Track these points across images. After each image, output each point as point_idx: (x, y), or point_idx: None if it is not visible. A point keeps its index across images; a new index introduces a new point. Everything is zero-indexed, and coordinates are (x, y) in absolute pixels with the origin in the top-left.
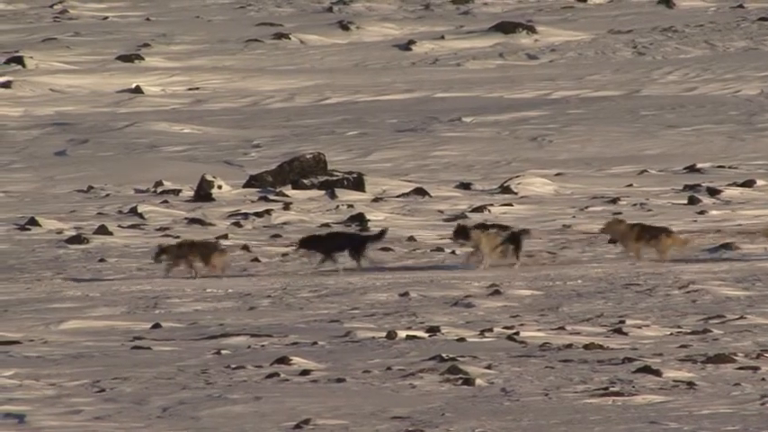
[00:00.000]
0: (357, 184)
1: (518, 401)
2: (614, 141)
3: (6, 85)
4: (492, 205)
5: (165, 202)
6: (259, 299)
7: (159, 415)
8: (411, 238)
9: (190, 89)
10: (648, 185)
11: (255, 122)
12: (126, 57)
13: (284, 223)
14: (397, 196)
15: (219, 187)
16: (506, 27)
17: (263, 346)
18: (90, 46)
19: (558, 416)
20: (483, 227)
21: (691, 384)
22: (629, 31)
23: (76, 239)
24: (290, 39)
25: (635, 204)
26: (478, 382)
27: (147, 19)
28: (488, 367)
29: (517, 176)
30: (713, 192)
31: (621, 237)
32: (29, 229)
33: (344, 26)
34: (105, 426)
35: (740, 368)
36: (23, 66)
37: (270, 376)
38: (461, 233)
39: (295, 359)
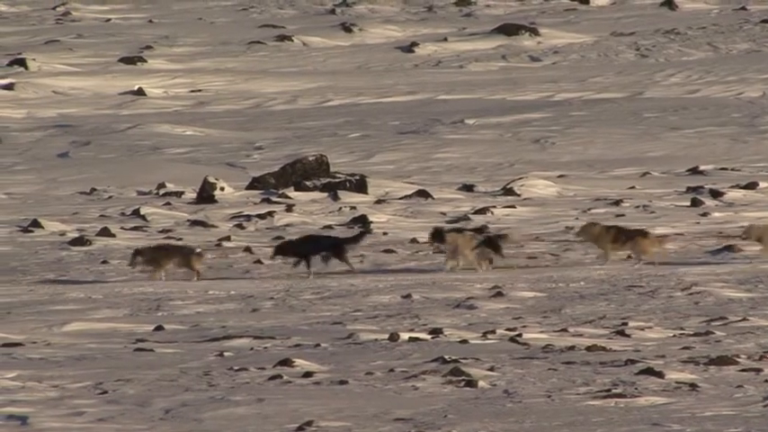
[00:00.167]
0: (360, 186)
1: (521, 403)
2: (617, 143)
3: (9, 86)
4: (495, 207)
5: (168, 204)
6: (262, 301)
7: (162, 417)
8: (414, 240)
9: (192, 91)
10: (651, 187)
11: (258, 124)
12: (128, 59)
13: (287, 225)
14: (400, 198)
15: (222, 189)
16: (509, 29)
17: (265, 348)
18: (93, 48)
19: (561, 418)
20: (459, 230)
21: (693, 386)
22: (632, 34)
23: (79, 241)
24: (292, 41)
25: (638, 206)
26: (481, 383)
27: (150, 21)
28: (491, 369)
29: (520, 178)
30: (716, 194)
31: (597, 239)
32: (31, 231)
33: (347, 28)
34: (108, 427)
35: (743, 370)
36: (26, 68)
37: (272, 378)
38: (437, 236)
39: (298, 361)
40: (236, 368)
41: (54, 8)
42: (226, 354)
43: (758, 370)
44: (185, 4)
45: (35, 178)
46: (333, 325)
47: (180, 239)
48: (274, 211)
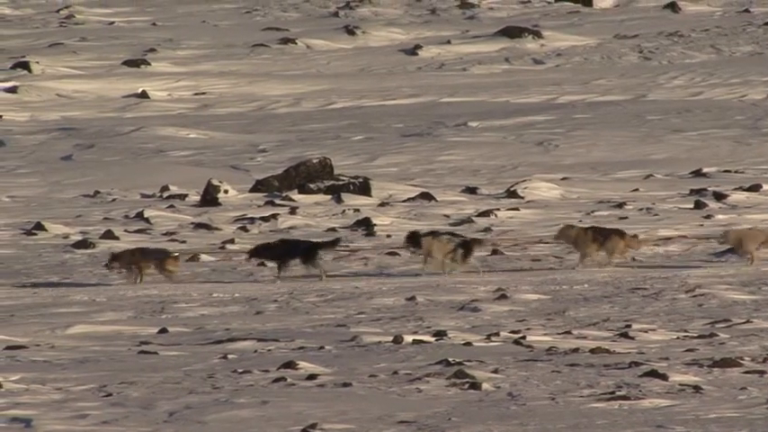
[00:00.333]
0: (363, 188)
1: (525, 406)
2: (620, 146)
3: (13, 90)
4: (498, 210)
5: (172, 206)
6: (265, 303)
7: (166, 419)
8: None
9: (196, 94)
10: (654, 190)
11: (262, 127)
12: (132, 62)
13: (290, 228)
14: (404, 201)
15: (226, 192)
16: (512, 32)
17: (269, 350)
18: (96, 51)
19: (565, 420)
20: (434, 234)
21: (697, 388)
22: (635, 36)
23: (83, 244)
24: (296, 43)
25: (641, 209)
26: (485, 386)
27: (154, 24)
28: (495, 371)
29: (523, 181)
30: (719, 196)
31: (575, 242)
32: (35, 234)
33: (351, 31)
34: (112, 430)
35: (746, 372)
36: (30, 71)
37: (276, 381)
38: (413, 240)
39: (302, 364)
40: (239, 371)
41: (58, 11)
42: (230, 356)
43: (762, 372)
44: (189, 7)
45: (39, 181)
46: (337, 327)
47: (184, 242)
48: (278, 214)
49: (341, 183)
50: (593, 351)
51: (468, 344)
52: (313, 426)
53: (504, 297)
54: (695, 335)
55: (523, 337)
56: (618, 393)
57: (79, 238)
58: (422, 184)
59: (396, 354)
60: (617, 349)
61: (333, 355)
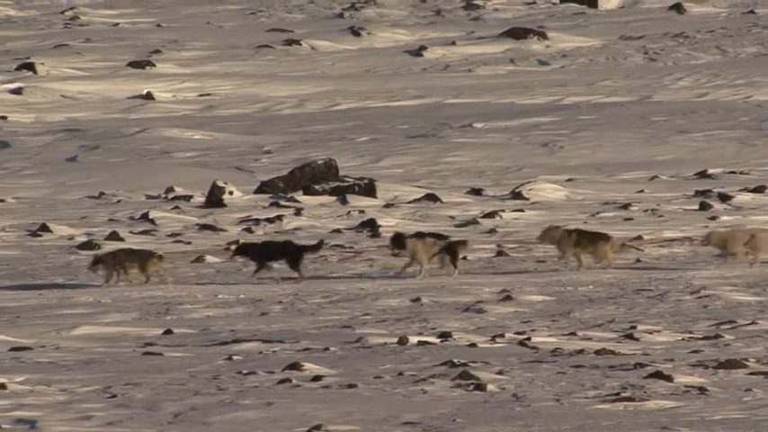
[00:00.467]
0: (368, 189)
1: (529, 407)
2: (625, 147)
3: (18, 91)
4: (503, 211)
5: (177, 208)
6: (270, 305)
7: (171, 421)
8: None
9: (201, 95)
10: (660, 191)
11: (266, 128)
12: (137, 63)
13: (295, 229)
14: (409, 202)
15: (231, 193)
16: (517, 33)
17: (274, 351)
18: (101, 52)
19: (570, 421)
20: (419, 236)
21: (702, 390)
22: (641, 37)
23: (88, 245)
24: (300, 45)
25: (646, 210)
26: (490, 387)
27: (158, 25)
28: (500, 373)
29: (528, 182)
30: (724, 197)
31: (559, 243)
32: (40, 236)
33: (355, 32)
34: (117, 431)
35: (752, 373)
36: (35, 72)
37: (281, 382)
38: (397, 242)
39: (306, 365)
40: (244, 372)
41: (62, 12)
42: (235, 357)
43: (767, 373)
44: (193, 9)
45: (44, 182)
46: (342, 329)
47: (188, 243)
48: (283, 215)
49: (346, 184)
50: (598, 352)
51: (473, 345)
52: (318, 427)
53: (509, 298)
54: (700, 336)
55: (528, 339)
56: (623, 395)
57: (84, 239)
58: (427, 186)
59: (401, 355)
60: (622, 350)
61: (338, 356)
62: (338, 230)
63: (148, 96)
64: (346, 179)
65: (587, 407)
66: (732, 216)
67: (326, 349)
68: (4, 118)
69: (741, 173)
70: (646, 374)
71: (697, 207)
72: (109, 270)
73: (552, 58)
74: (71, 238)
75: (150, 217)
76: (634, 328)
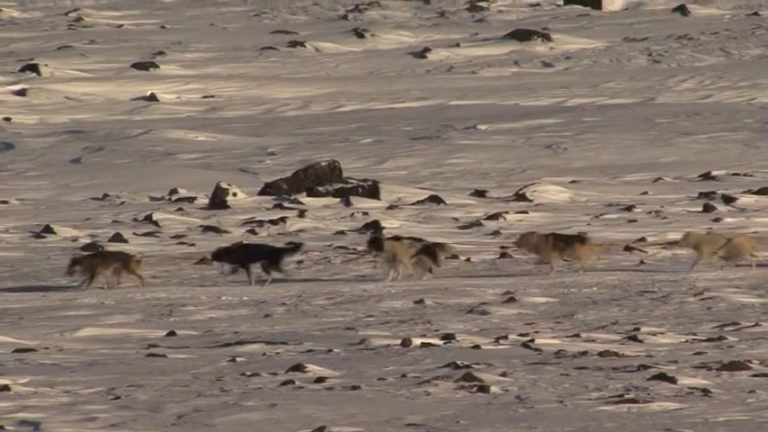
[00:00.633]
0: (372, 191)
1: (533, 409)
2: (629, 149)
3: (21, 92)
4: (507, 213)
5: (180, 209)
6: (274, 306)
7: (174, 422)
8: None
9: (205, 97)
10: (663, 193)
11: (270, 130)
12: (141, 64)
13: (299, 231)
14: (412, 204)
15: (234, 195)
16: (521, 35)
17: (277, 353)
18: (105, 54)
19: (573, 423)
20: (397, 238)
21: (706, 391)
22: (645, 39)
23: (92, 247)
24: (305, 46)
25: (650, 212)
26: (493, 389)
27: (162, 27)
28: (503, 375)
29: (532, 184)
30: (728, 199)
31: (536, 248)
32: (44, 237)
33: (359, 34)
34: None
35: (755, 375)
36: (38, 73)
37: (285, 384)
38: (375, 244)
39: (310, 366)
40: (248, 374)
41: (66, 14)
42: (238, 359)
43: None
44: (198, 10)
45: (47, 184)
46: (345, 330)
47: (192, 245)
48: (287, 217)
49: (350, 186)
50: (601, 354)
51: (477, 347)
52: (321, 429)
53: (512, 300)
54: (704, 338)
55: (532, 341)
56: (626, 396)
57: (88, 240)
58: (431, 187)
59: (404, 357)
60: (625, 352)
61: (341, 358)
62: (342, 232)
63: (152, 98)
64: (350, 181)
65: (591, 408)
66: (736, 218)
67: (330, 351)
68: (8, 119)
69: (745, 175)
70: (649, 376)
71: (701, 209)
72: (86, 273)
73: (556, 60)
74: (75, 239)
75: (154, 218)
76: (638, 329)
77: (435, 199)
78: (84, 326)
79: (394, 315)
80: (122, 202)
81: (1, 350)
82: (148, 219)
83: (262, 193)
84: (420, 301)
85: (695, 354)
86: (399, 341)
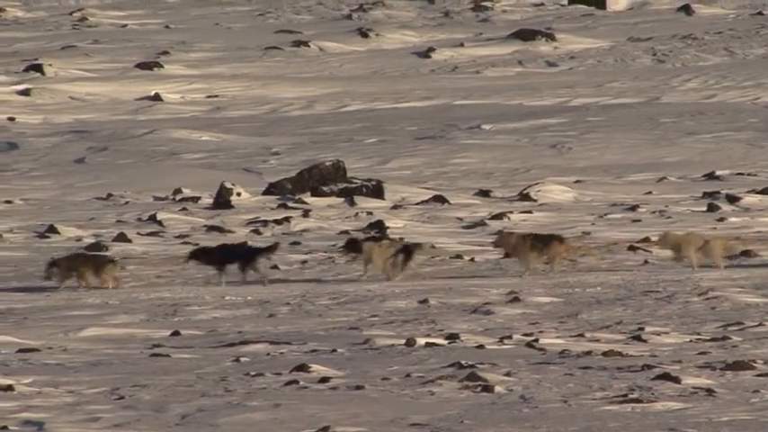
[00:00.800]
0: (376, 191)
1: (537, 408)
2: (633, 149)
3: (26, 92)
4: (511, 212)
5: (185, 209)
6: (278, 306)
7: (178, 422)
8: (431, 246)
9: (209, 97)
10: (668, 193)
11: (274, 130)
12: (145, 64)
13: (303, 230)
14: (417, 203)
15: (239, 194)
16: (525, 34)
17: (281, 353)
18: (109, 54)
19: (577, 423)
20: (374, 239)
21: (710, 391)
22: (649, 39)
23: (96, 247)
24: (309, 46)
25: (654, 212)
26: (497, 389)
27: (167, 27)
28: (507, 374)
29: (536, 184)
30: (732, 199)
31: (514, 249)
32: (48, 237)
33: (364, 33)
34: None
35: (759, 375)
36: (42, 73)
37: (289, 383)
38: (352, 246)
39: (314, 366)
40: (252, 373)
41: (70, 14)
42: (242, 359)
43: None
44: (202, 10)
45: (52, 184)
46: (349, 330)
47: (196, 245)
48: (291, 217)
49: (354, 185)
50: (605, 354)
51: (481, 347)
52: (325, 429)
53: (516, 300)
54: (708, 338)
55: (536, 340)
56: (630, 396)
57: (92, 240)
58: (435, 187)
59: (408, 356)
60: (630, 352)
61: (345, 357)
62: (346, 232)
63: (156, 98)
64: (354, 180)
65: (595, 408)
66: (740, 218)
67: (334, 351)
68: (13, 119)
69: (749, 174)
70: (653, 376)
71: (705, 209)
72: (63, 274)
73: (560, 60)
74: (79, 239)
75: (158, 218)
76: (642, 329)
77: (439, 199)
78: (89, 326)
79: (398, 315)
80: (126, 202)
81: (5, 350)
82: (152, 218)
83: (266, 192)
84: (424, 301)
85: (699, 353)
86: (403, 341)
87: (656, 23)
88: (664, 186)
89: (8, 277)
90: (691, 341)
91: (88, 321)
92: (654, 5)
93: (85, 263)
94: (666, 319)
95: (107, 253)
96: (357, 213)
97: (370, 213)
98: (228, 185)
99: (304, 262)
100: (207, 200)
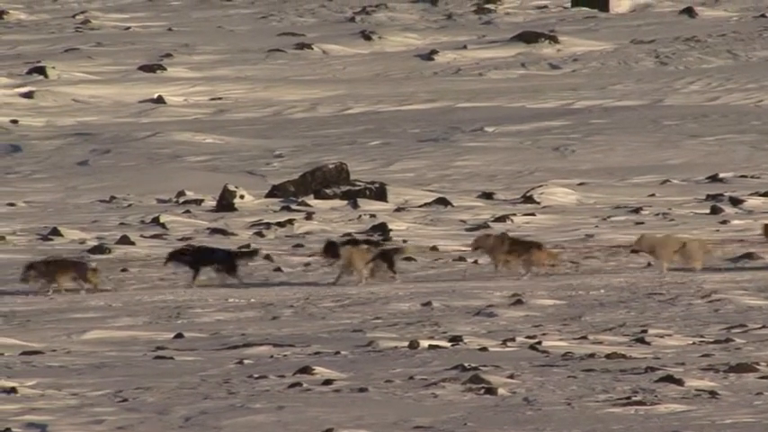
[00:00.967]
0: (379, 193)
1: (540, 411)
2: (637, 151)
3: (29, 95)
4: (515, 215)
5: (188, 212)
6: (281, 308)
7: (181, 425)
8: (434, 248)
9: (212, 99)
10: (671, 195)
11: (278, 132)
12: (148, 67)
13: (306, 233)
14: (420, 206)
15: (242, 197)
16: (529, 37)
17: (285, 355)
18: (112, 56)
19: (581, 425)
20: (354, 243)
21: (713, 393)
22: (652, 41)
23: (99, 249)
24: (312, 49)
25: (657, 214)
26: (501, 391)
27: (170, 29)
28: (511, 377)
29: (540, 186)
30: (736, 201)
31: (491, 251)
32: (51, 240)
33: (367, 36)
34: None
35: (762, 377)
36: (46, 76)
37: (292, 386)
38: (331, 250)
39: (317, 369)
40: (255, 376)
41: (73, 16)
42: (245, 361)
43: None
44: (205, 13)
45: (54, 186)
46: (352, 332)
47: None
48: (294, 219)
49: (357, 188)
50: (608, 356)
51: (484, 349)
52: (329, 431)
53: (519, 302)
54: (711, 340)
55: (539, 343)
56: (633, 398)
57: (95, 243)
58: (438, 190)
59: (411, 359)
60: (633, 354)
61: (349, 360)
62: (349, 234)
63: (159, 100)
64: (357, 183)
65: (598, 411)
66: (743, 220)
67: (337, 353)
68: (16, 122)
69: (752, 177)
70: (656, 378)
71: (708, 211)
72: (41, 278)
73: (563, 62)
74: (82, 242)
75: (161, 221)
76: (645, 331)
77: (443, 201)
78: (92, 328)
79: (401, 317)
80: (129, 205)
81: (8, 352)
82: (156, 221)
83: (269, 195)
84: (427, 304)
85: (702, 356)
86: (407, 343)
87: (659, 26)
88: (667, 189)
89: (12, 280)
90: (694, 343)
91: (91, 324)
92: (657, 8)
93: (63, 267)
94: (669, 322)
95: (84, 257)
96: (360, 216)
97: (373, 216)
98: (231, 188)
99: (307, 264)
100: (210, 202)
